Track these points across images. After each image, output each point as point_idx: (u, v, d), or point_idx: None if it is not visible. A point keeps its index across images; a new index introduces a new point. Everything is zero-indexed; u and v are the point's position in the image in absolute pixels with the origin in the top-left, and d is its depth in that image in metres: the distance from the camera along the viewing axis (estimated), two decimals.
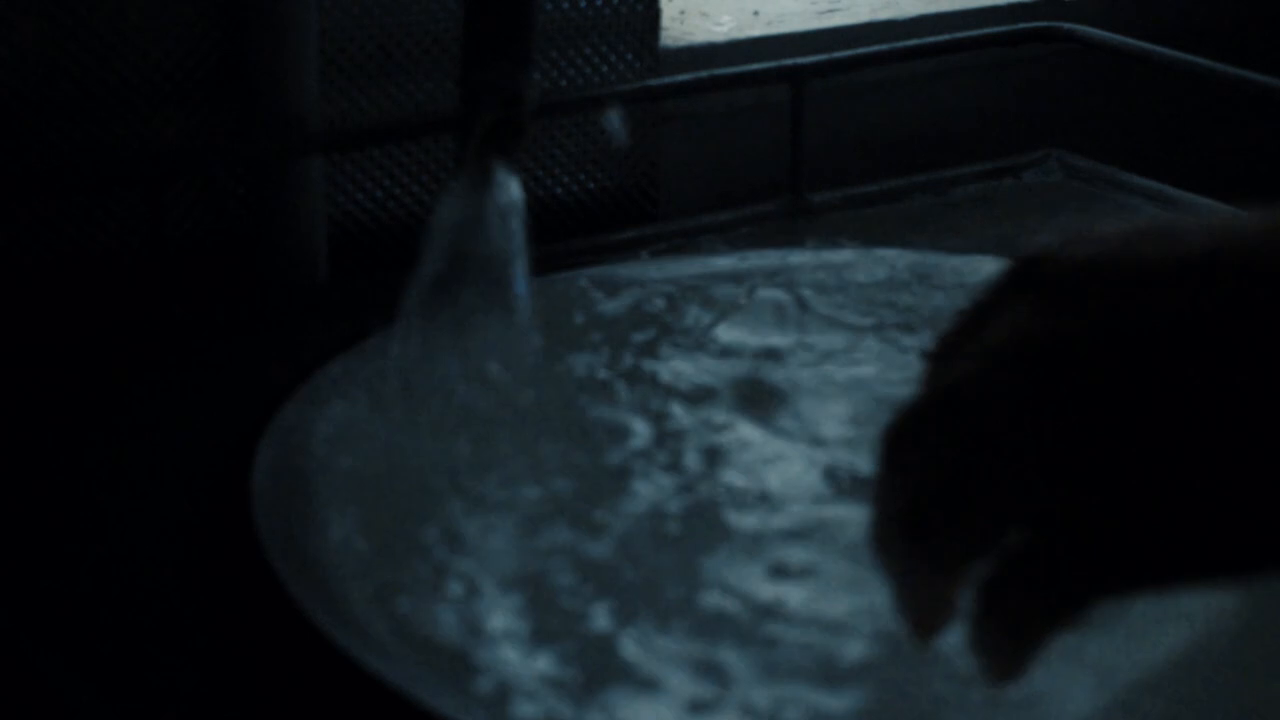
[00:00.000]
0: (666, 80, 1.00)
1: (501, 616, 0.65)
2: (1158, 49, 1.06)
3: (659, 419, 0.78)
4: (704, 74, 1.01)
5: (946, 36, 1.10)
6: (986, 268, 0.88)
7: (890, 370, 0.82)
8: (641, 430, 0.77)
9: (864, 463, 0.74)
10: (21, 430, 0.76)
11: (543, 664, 0.63)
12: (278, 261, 0.90)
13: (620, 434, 0.77)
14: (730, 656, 0.63)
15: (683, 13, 1.10)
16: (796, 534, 0.70)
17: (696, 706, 0.60)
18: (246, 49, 0.88)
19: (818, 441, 0.77)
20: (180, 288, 0.87)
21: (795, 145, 1.02)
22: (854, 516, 0.70)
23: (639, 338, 0.84)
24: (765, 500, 0.73)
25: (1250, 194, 1.07)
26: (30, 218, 0.86)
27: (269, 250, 0.90)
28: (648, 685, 0.61)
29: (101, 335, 0.84)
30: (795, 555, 0.69)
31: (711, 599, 0.66)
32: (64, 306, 0.87)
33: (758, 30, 1.09)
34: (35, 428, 0.76)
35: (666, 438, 0.77)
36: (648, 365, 0.82)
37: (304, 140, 0.90)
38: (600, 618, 0.65)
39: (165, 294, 0.86)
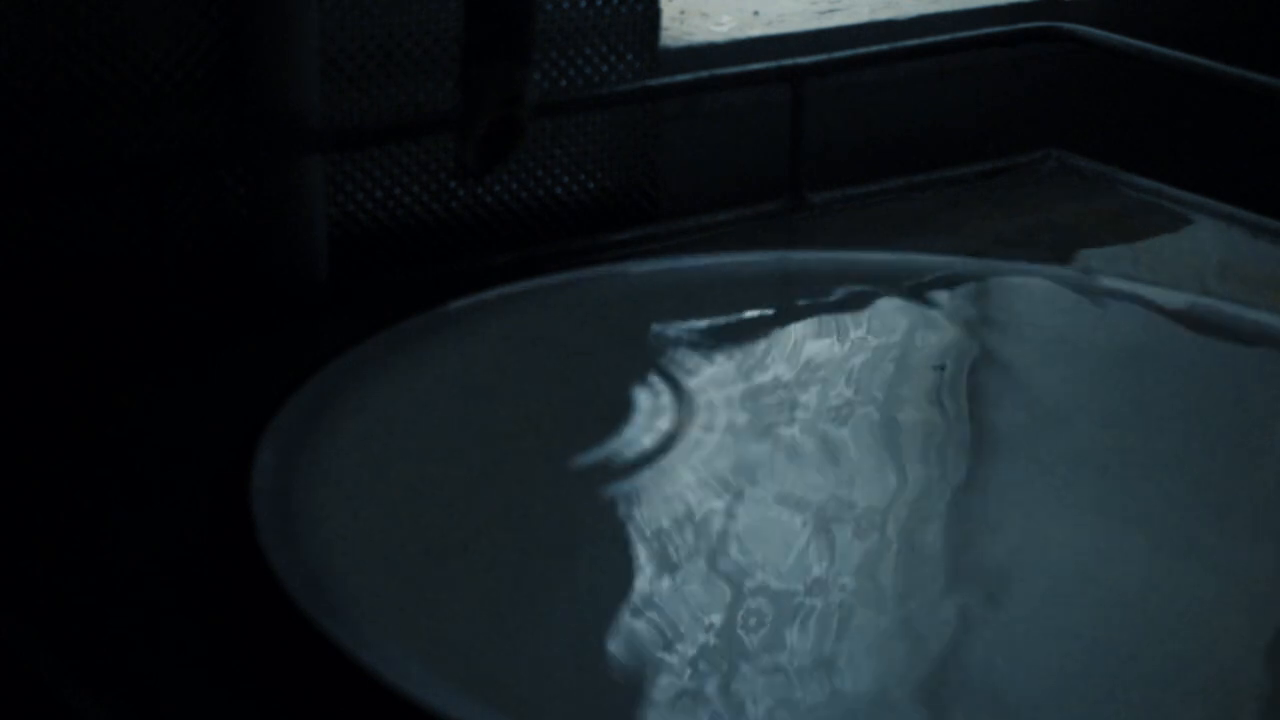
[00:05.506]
0: (666, 80, 1.00)
1: (499, 616, 0.65)
2: (1158, 49, 1.06)
3: None
4: (704, 74, 1.01)
5: (946, 36, 1.10)
6: None
7: None
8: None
9: None
10: (22, 430, 0.76)
11: (538, 661, 0.63)
12: (278, 261, 0.90)
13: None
14: None
15: (683, 13, 1.10)
16: None
17: None
18: (246, 49, 0.88)
19: None
20: (180, 288, 0.87)
21: (795, 145, 1.02)
22: None
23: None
24: None
25: (1250, 194, 1.08)
26: (30, 218, 0.86)
27: (269, 250, 0.90)
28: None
29: (101, 335, 0.84)
30: None
31: None
32: (64, 306, 0.87)
33: (758, 30, 1.09)
34: (36, 428, 0.76)
35: None
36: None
37: (304, 140, 0.90)
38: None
39: (165, 294, 0.86)
